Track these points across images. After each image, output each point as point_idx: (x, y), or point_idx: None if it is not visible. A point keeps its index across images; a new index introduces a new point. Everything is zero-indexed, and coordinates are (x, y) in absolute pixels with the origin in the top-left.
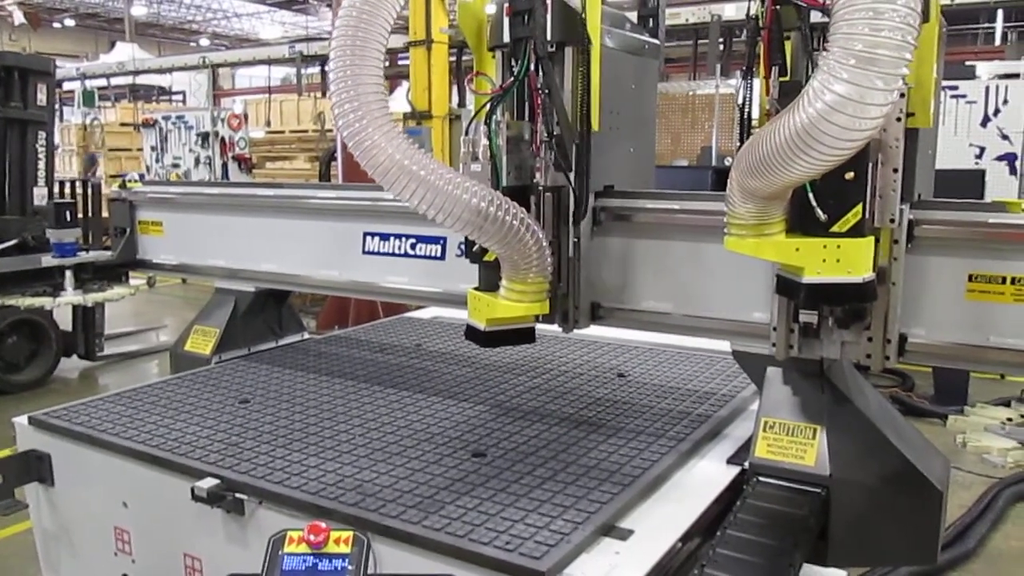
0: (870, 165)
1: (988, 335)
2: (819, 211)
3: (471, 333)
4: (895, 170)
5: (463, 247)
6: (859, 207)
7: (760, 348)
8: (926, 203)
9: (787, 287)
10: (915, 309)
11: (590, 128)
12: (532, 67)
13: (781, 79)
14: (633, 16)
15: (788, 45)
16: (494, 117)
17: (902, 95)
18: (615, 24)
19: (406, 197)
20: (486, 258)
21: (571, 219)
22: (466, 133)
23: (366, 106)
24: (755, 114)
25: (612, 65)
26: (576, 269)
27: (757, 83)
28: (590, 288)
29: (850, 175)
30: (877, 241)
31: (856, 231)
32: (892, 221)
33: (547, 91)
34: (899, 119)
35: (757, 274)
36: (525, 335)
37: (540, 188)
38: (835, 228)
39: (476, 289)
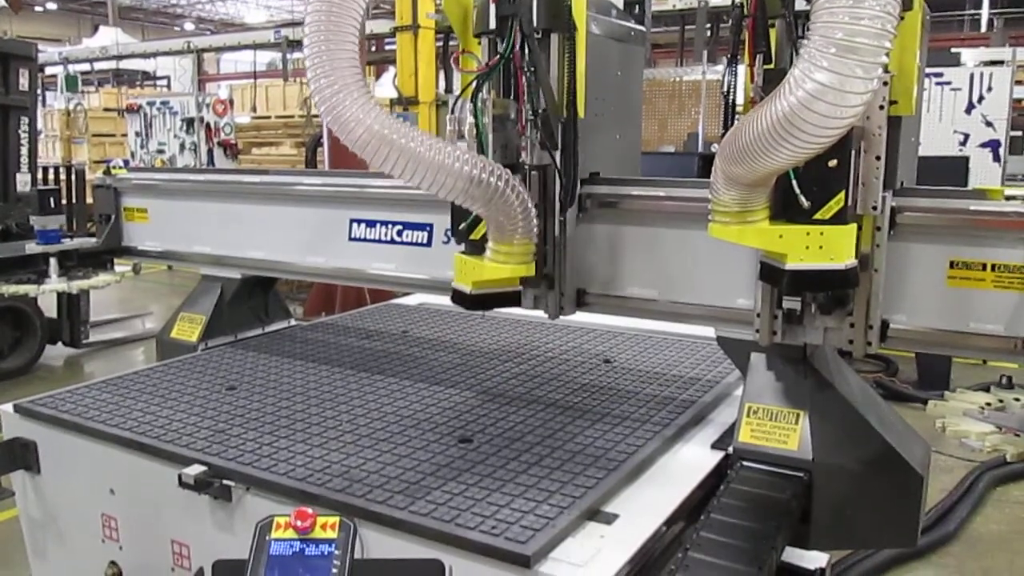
0: (853, 153)
1: (968, 321)
2: (802, 198)
3: (457, 297)
4: (878, 158)
5: (449, 233)
6: (842, 194)
7: (744, 334)
8: (909, 190)
9: (770, 274)
10: (897, 295)
11: (576, 112)
12: (517, 46)
13: (765, 67)
14: (621, 3)
15: (773, 33)
16: (480, 95)
17: (884, 83)
18: (601, 10)
19: (388, 168)
20: (472, 237)
21: (556, 197)
22: (452, 112)
23: (342, 80)
24: (740, 101)
25: (597, 52)
26: (562, 252)
27: (742, 70)
28: (576, 274)
29: (833, 163)
30: (860, 228)
31: (839, 218)
32: (875, 208)
33: (532, 69)
34: (882, 107)
35: (741, 261)
36: (511, 298)
37: (526, 167)
38: (818, 215)
39: (462, 253)
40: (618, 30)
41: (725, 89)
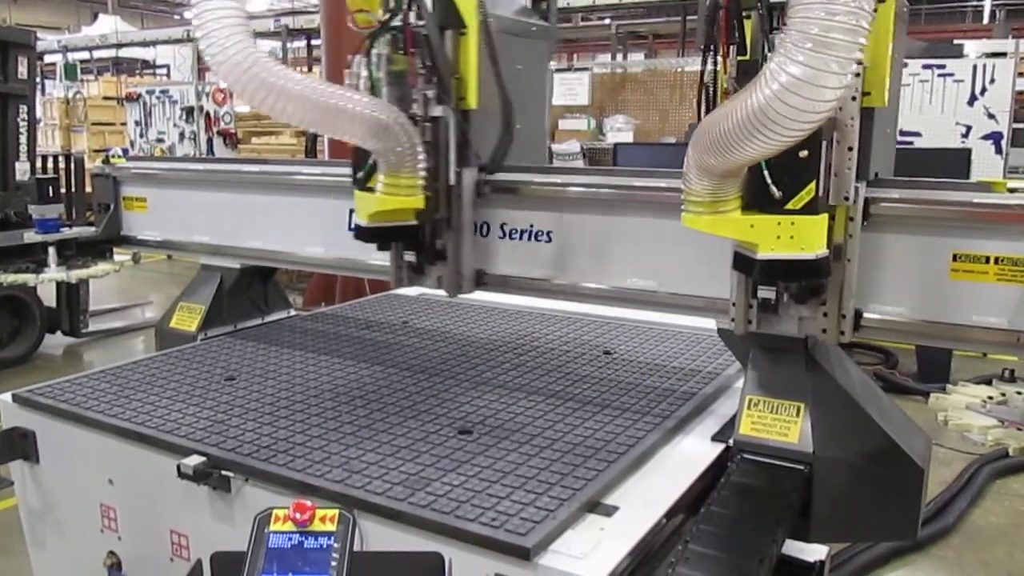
0: (824, 144)
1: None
2: (774, 189)
3: (357, 232)
4: (850, 148)
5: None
6: (812, 185)
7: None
8: (882, 181)
9: (743, 263)
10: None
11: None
12: (405, 4)
13: (739, 58)
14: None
15: (748, 24)
16: (374, 51)
17: (857, 75)
18: (499, 7)
19: (287, 115)
20: (369, 184)
21: (451, 148)
22: (349, 67)
23: (236, 45)
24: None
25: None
26: (458, 207)
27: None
28: (474, 255)
29: (804, 153)
30: (833, 218)
31: (810, 208)
32: (847, 199)
33: (422, 25)
34: (854, 98)
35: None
36: (405, 233)
37: (419, 118)
38: (789, 205)
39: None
40: (519, 26)
41: (700, 80)
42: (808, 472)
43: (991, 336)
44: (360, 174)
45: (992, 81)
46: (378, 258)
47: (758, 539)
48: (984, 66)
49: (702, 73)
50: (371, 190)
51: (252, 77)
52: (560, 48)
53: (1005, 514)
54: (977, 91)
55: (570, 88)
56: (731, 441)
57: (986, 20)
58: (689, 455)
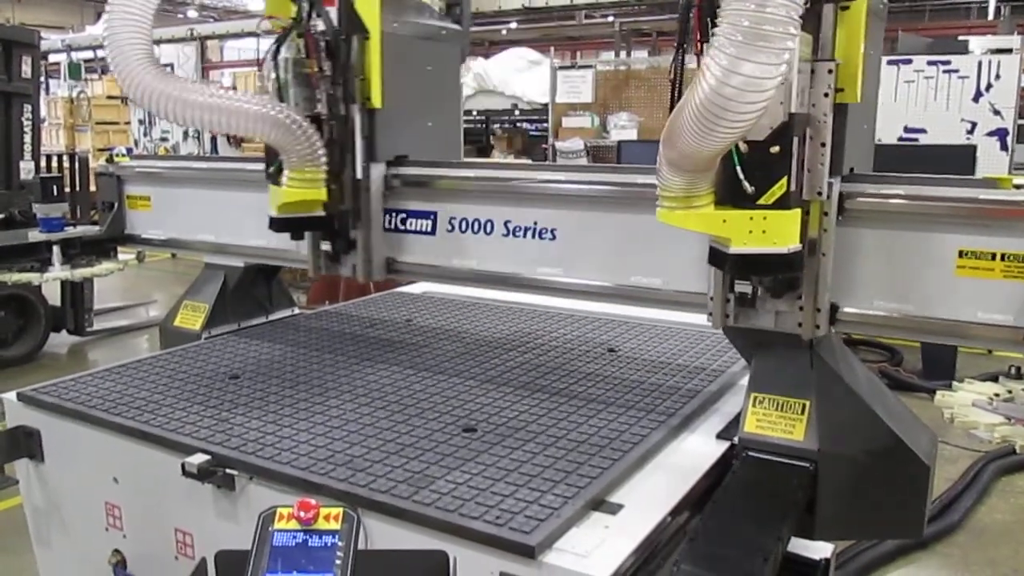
0: (796, 139)
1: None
2: (746, 184)
3: (271, 223)
4: (823, 144)
5: (453, 221)
6: (784, 180)
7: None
8: (858, 176)
9: (716, 257)
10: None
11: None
12: (305, 12)
13: None
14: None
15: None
16: (281, 55)
17: (830, 71)
18: (409, 14)
19: (197, 120)
20: (280, 179)
21: (356, 145)
22: (260, 68)
23: (136, 60)
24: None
25: (400, 50)
26: (366, 202)
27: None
28: (384, 244)
29: (775, 149)
30: (808, 213)
31: (782, 203)
32: (820, 194)
33: (323, 32)
34: (827, 94)
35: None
36: (315, 223)
37: (325, 117)
38: (762, 200)
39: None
40: (427, 30)
41: (672, 76)
42: (813, 470)
43: (997, 333)
44: (271, 169)
45: (997, 77)
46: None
47: (763, 537)
48: (989, 62)
49: (673, 70)
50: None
51: (153, 89)
52: (564, 45)
53: (1011, 511)
54: (982, 87)
55: (573, 85)
56: (736, 439)
57: (991, 16)
58: (694, 453)
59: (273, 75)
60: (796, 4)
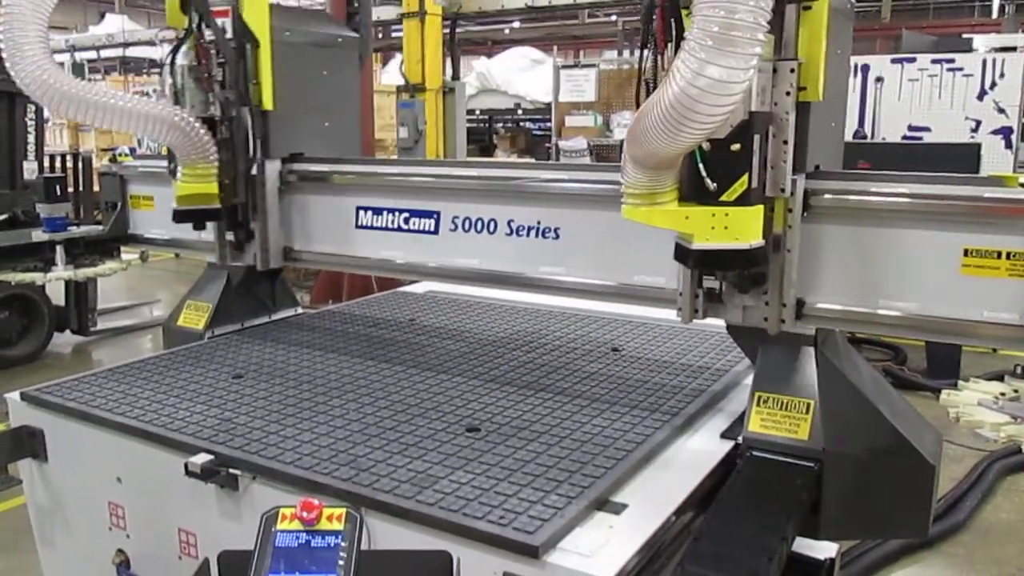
0: (758, 137)
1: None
2: (709, 181)
3: (173, 215)
4: (785, 142)
5: (456, 220)
6: (745, 177)
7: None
8: (823, 174)
9: (681, 253)
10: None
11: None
12: (195, 24)
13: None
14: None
15: (688, 22)
16: (176, 63)
17: (792, 71)
18: (305, 23)
19: (97, 120)
20: None
21: (250, 144)
22: (160, 74)
23: (34, 60)
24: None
25: (294, 57)
26: (262, 197)
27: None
28: (282, 235)
29: (736, 147)
30: (773, 210)
31: (744, 200)
32: (783, 191)
33: (212, 42)
34: (788, 93)
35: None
36: (210, 215)
37: (217, 118)
38: (724, 197)
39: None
40: (324, 38)
41: (638, 76)
42: (818, 469)
43: (1003, 332)
44: (171, 166)
45: (1002, 75)
46: (385, 255)
47: (768, 537)
48: (994, 60)
49: (639, 70)
50: None
51: (53, 90)
52: (567, 44)
53: (1016, 511)
54: (987, 86)
55: (577, 84)
56: (740, 438)
57: (995, 14)
58: (698, 452)
59: (170, 80)
60: (764, 11)
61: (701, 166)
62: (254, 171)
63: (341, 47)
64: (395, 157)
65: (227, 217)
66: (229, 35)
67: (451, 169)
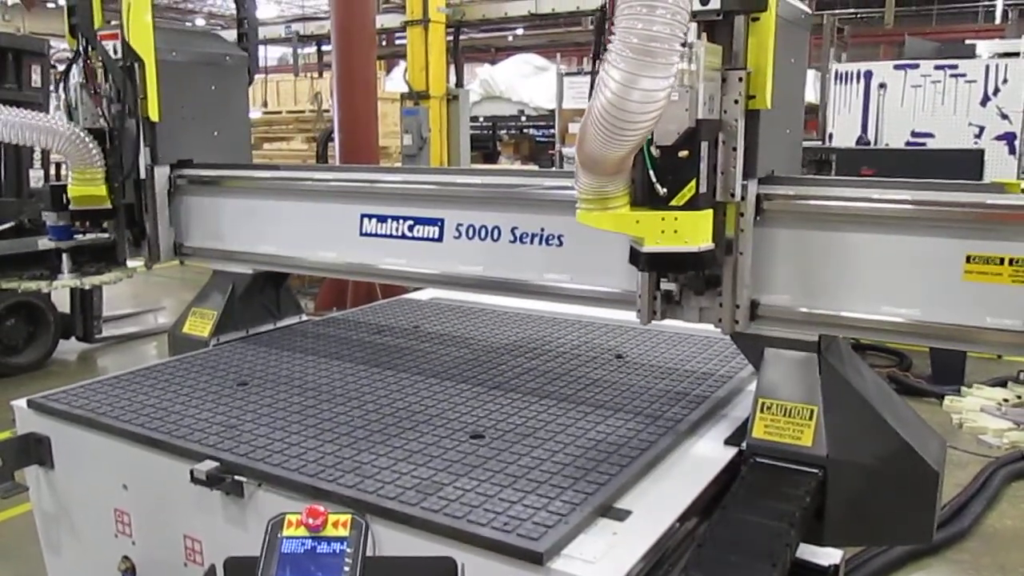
0: (707, 144)
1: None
2: (658, 186)
3: (71, 215)
4: (734, 148)
5: (460, 228)
6: (693, 182)
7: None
8: (777, 179)
9: (633, 256)
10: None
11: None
12: (81, 48)
13: None
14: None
15: None
16: (69, 81)
17: (740, 79)
18: (192, 43)
19: None
20: None
21: (140, 151)
22: (56, 90)
23: None
24: None
25: (180, 74)
26: (152, 199)
27: None
28: (176, 230)
29: (684, 153)
30: (725, 214)
31: (692, 204)
32: (733, 196)
33: (100, 62)
34: (737, 101)
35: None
36: (105, 214)
37: (106, 129)
38: (674, 202)
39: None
40: (211, 57)
41: (590, 87)
42: (822, 475)
43: (1007, 338)
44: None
45: (1005, 81)
46: (389, 262)
47: (772, 543)
48: (997, 66)
49: (591, 81)
50: None
51: None
52: (570, 51)
53: (1021, 517)
54: (990, 91)
55: (580, 91)
56: (744, 444)
57: (998, 20)
58: (702, 459)
59: (63, 95)
60: (681, 23)
61: (651, 172)
62: (143, 175)
63: (229, 64)
64: (399, 165)
65: (124, 217)
66: (119, 55)
67: (454, 177)
